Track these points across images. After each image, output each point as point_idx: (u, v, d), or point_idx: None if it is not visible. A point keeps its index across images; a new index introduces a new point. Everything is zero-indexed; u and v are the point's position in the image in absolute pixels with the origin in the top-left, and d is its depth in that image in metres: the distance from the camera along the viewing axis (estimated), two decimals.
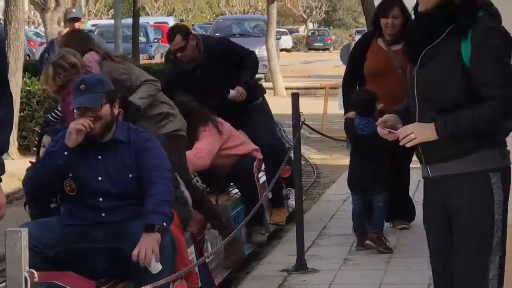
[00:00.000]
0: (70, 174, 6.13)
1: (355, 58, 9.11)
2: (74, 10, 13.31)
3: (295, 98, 8.81)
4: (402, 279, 8.19)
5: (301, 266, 8.39)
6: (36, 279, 3.65)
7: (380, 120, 4.52)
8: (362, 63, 8.91)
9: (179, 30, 10.14)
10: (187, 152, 8.74)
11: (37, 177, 6.27)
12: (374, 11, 9.41)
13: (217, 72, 9.69)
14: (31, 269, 3.56)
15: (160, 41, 40.02)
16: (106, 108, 6.09)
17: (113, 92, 6.28)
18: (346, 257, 8.96)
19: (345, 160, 13.01)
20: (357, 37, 19.81)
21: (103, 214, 6.06)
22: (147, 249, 5.64)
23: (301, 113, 8.77)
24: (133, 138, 6.28)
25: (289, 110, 8.94)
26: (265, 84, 32.57)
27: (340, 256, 9.02)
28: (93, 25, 45.40)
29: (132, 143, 6.22)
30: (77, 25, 12.17)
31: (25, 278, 3.51)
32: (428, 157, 4.38)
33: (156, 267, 5.66)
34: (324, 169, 14.92)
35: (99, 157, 6.14)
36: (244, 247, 9.24)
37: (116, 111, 6.23)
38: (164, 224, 5.81)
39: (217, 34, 37.11)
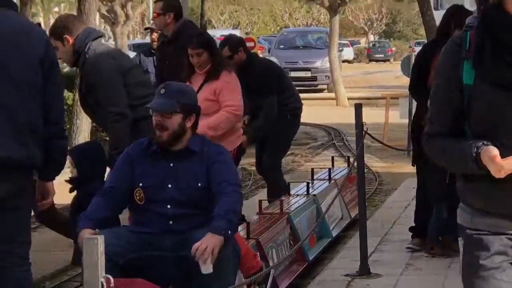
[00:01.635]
0: (140, 184, 6.13)
1: (420, 69, 8.56)
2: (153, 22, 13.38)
3: (358, 108, 8.82)
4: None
5: (364, 271, 8.39)
6: (112, 285, 3.70)
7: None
8: (427, 74, 8.26)
9: (228, 41, 10.23)
10: (222, 112, 8.37)
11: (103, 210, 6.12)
12: (445, 19, 8.43)
13: (244, 85, 9.46)
14: (107, 275, 3.61)
15: None
16: (176, 118, 6.04)
17: (191, 105, 6.25)
18: (408, 262, 9.00)
19: (406, 168, 13.09)
20: (417, 49, 19.68)
21: (171, 222, 6.06)
22: (208, 246, 5.54)
23: (364, 123, 8.72)
24: (206, 150, 6.26)
25: (352, 120, 8.96)
26: (328, 95, 32.06)
27: (403, 261, 9.06)
28: None
29: (204, 154, 6.20)
30: (155, 35, 12.01)
31: (102, 283, 3.55)
32: None
33: (208, 267, 5.59)
34: (386, 176, 14.96)
35: (171, 164, 6.11)
36: (309, 253, 9.27)
37: (189, 123, 6.14)
38: (229, 232, 5.80)
39: (281, 46, 37.12)
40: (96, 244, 3.59)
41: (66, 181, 7.65)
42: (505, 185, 3.14)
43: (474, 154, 3.05)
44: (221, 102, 8.44)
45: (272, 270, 7.93)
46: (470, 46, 3.19)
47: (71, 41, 7.36)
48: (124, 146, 7.00)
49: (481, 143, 3.06)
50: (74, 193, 7.62)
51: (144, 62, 11.81)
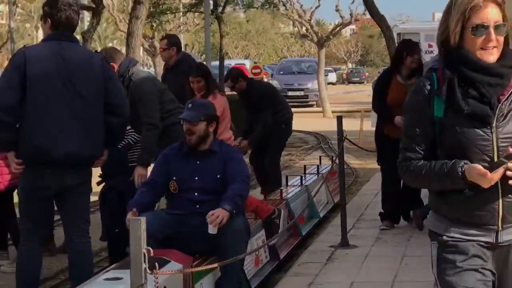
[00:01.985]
0: (174, 178, 6.17)
1: (380, 90, 8.19)
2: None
3: (339, 119, 8.78)
4: (423, 252, 8.22)
5: (344, 243, 8.40)
6: (152, 254, 3.69)
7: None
8: (385, 94, 8.17)
9: (229, 74, 10.49)
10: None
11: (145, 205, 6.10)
12: (399, 50, 8.15)
13: (246, 105, 10.13)
14: (148, 247, 3.62)
15: None
16: (201, 125, 6.08)
17: (212, 115, 6.28)
18: (378, 236, 8.97)
19: (376, 165, 13.72)
20: None
21: (197, 206, 6.08)
22: (219, 215, 5.64)
23: (343, 130, 8.74)
24: (223, 150, 6.32)
25: (335, 128, 8.85)
26: (316, 109, 31.63)
27: (374, 235, 9.05)
28: None
29: (223, 153, 6.26)
30: None
31: (144, 253, 3.57)
32: (504, 218, 3.03)
33: (214, 229, 5.64)
34: (361, 171, 14.81)
35: (197, 162, 6.18)
36: (302, 229, 9.16)
37: (211, 129, 6.19)
38: (234, 211, 5.83)
39: (281, 72, 36.41)
40: (139, 224, 3.60)
41: (99, 176, 7.71)
42: (473, 199, 3.01)
43: (460, 173, 2.94)
44: None
45: (282, 211, 7.91)
46: (439, 84, 3.03)
47: (116, 67, 7.38)
48: (152, 149, 7.24)
49: (463, 163, 2.94)
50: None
51: None
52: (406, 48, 8.37)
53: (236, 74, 10.55)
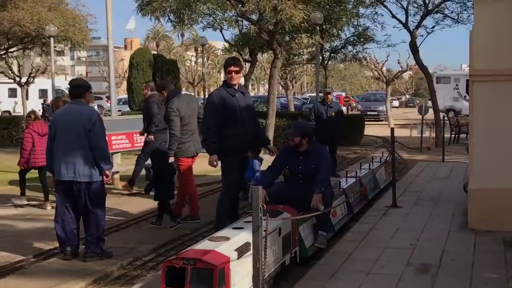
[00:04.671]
0: (287, 166, 7.44)
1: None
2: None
3: (392, 130, 10.30)
4: (444, 212, 9.37)
5: (394, 205, 9.70)
6: (265, 208, 4.29)
7: None
8: None
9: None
10: None
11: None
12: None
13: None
14: (262, 203, 4.23)
15: None
16: (297, 139, 7.46)
17: (306, 132, 7.51)
18: (415, 202, 10.32)
19: (418, 157, 15.91)
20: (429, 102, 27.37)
21: (301, 181, 7.31)
22: (316, 202, 6.84)
23: (395, 136, 10.24)
24: (316, 149, 7.51)
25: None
26: (384, 123, 35.89)
27: (413, 201, 10.37)
28: None
29: (315, 151, 7.49)
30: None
31: (260, 208, 4.16)
32: None
33: (320, 208, 6.77)
34: (408, 161, 16.93)
35: (301, 157, 7.37)
36: (368, 195, 10.46)
37: (306, 140, 7.46)
38: (323, 189, 6.92)
39: (363, 100, 47.45)
40: (257, 190, 4.22)
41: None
42: None
43: None
44: None
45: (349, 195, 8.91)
46: None
47: (165, 93, 9.32)
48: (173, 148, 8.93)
49: None
50: None
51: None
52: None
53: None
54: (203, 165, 8.38)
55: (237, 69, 7.55)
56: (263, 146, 8.10)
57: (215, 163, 7.49)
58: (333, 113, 13.49)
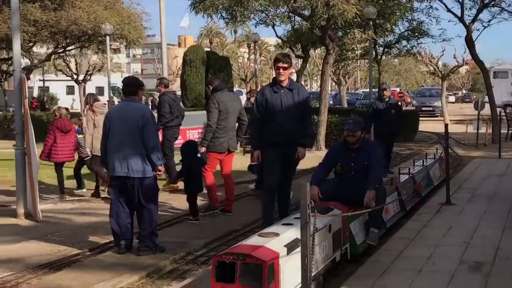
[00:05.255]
0: (339, 163, 7.40)
1: None
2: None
3: (446, 126, 10.16)
4: (500, 209, 9.25)
5: (448, 202, 9.58)
6: (312, 205, 4.27)
7: None
8: None
9: None
10: None
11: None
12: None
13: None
14: (310, 200, 4.24)
15: None
16: (358, 133, 7.35)
17: (363, 127, 7.44)
18: (469, 199, 10.18)
19: (474, 153, 15.55)
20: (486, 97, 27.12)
21: (353, 179, 7.25)
22: (369, 199, 6.86)
23: (450, 132, 10.11)
24: (368, 146, 7.53)
25: (450, 130, 10.36)
26: (439, 118, 35.51)
27: (467, 198, 10.27)
28: None
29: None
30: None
31: (308, 204, 4.20)
32: None
33: (372, 205, 6.78)
34: (464, 158, 16.68)
35: (353, 154, 7.33)
36: (422, 193, 10.33)
37: (362, 135, 7.39)
38: (377, 186, 6.92)
39: (419, 95, 46.88)
40: (305, 187, 4.28)
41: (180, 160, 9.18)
42: None
43: None
44: None
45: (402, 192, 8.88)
46: None
47: (211, 87, 9.54)
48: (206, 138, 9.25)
49: None
50: None
51: None
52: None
53: None
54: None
55: (286, 65, 7.60)
56: (299, 146, 7.77)
57: (257, 157, 7.81)
58: (392, 111, 13.20)
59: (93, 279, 6.32)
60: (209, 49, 45.85)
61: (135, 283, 6.34)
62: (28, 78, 24.93)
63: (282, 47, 29.39)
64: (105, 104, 11.71)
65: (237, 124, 9.59)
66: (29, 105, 10.85)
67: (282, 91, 7.58)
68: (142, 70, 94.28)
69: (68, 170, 11.72)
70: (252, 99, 12.52)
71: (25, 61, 30.07)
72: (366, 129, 7.21)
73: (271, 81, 7.94)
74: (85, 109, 11.42)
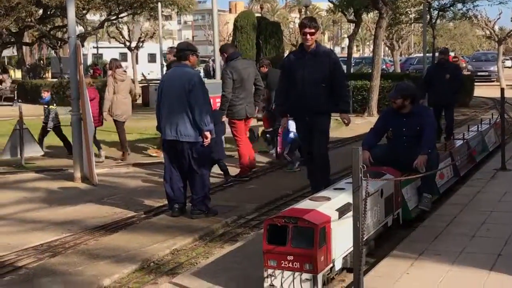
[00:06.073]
0: (390, 128, 7.35)
1: None
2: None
3: (502, 91, 9.97)
4: None
5: (503, 167, 9.61)
6: (364, 169, 4.22)
7: None
8: None
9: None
10: None
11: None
12: None
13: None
14: (362, 164, 4.19)
15: None
16: (399, 100, 7.32)
17: (408, 93, 7.34)
18: None
19: None
20: None
21: (405, 144, 7.15)
22: (420, 162, 6.77)
23: (506, 97, 9.85)
24: (420, 111, 7.41)
25: (506, 96, 10.16)
26: (495, 83, 34.50)
27: None
28: None
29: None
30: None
31: (361, 168, 4.16)
32: None
33: (422, 169, 6.72)
34: None
35: (404, 119, 7.24)
36: (476, 158, 10.27)
37: (409, 101, 7.25)
38: (429, 151, 6.79)
39: (474, 60, 45.36)
40: (357, 151, 4.25)
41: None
42: None
43: None
44: None
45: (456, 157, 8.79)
46: None
47: (226, 55, 9.64)
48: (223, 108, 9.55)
49: None
50: None
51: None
52: None
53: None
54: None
55: (312, 30, 7.51)
56: (333, 111, 7.80)
57: (283, 125, 8.23)
58: (447, 76, 12.54)
59: (148, 241, 6.50)
60: (259, 15, 45.50)
61: (188, 245, 6.48)
62: (82, 46, 25.38)
63: (334, 12, 28.92)
64: (125, 71, 12.08)
65: (253, 90, 9.66)
66: (92, 73, 10.82)
67: (306, 56, 7.50)
68: (193, 36, 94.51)
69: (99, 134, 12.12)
70: None
71: (79, 29, 30.47)
72: (413, 96, 7.25)
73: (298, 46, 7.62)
74: (109, 74, 11.58)
